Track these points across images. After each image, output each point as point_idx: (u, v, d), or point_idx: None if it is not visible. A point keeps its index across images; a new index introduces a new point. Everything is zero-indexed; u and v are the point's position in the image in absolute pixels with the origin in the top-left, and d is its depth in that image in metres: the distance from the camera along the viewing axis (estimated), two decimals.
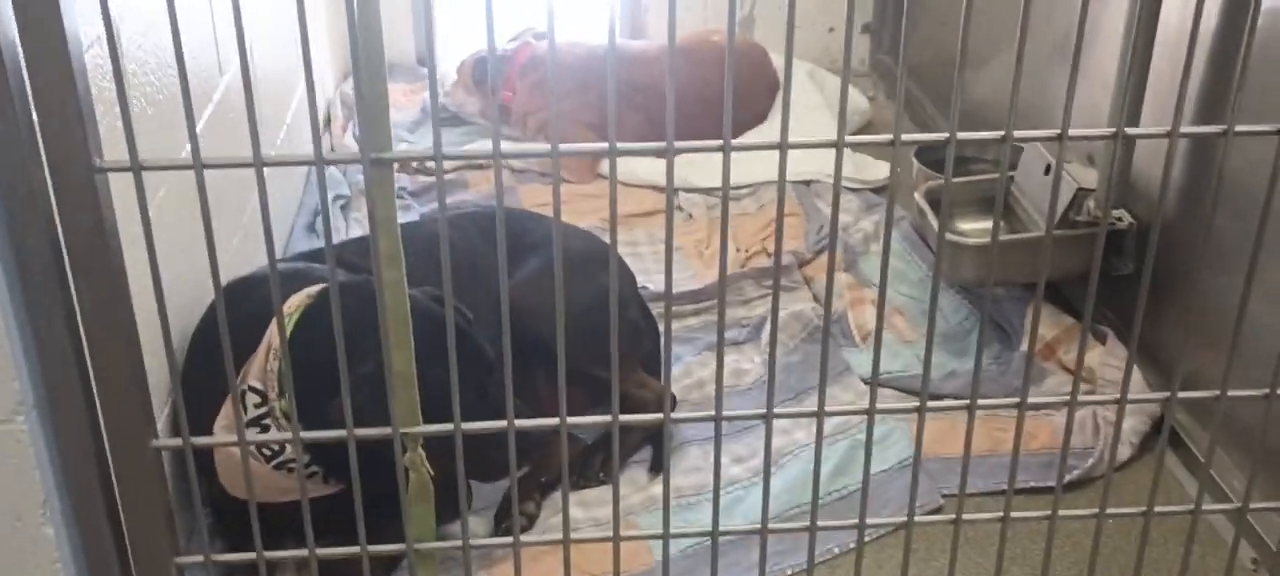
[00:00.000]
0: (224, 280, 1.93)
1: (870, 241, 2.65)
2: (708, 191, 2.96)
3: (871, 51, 4.01)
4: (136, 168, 1.05)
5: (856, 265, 2.57)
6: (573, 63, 3.23)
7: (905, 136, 1.18)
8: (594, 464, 1.91)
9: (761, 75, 3.44)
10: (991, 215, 2.44)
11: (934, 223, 2.31)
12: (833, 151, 3.03)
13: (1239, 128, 1.18)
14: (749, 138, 3.16)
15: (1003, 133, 1.17)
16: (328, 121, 3.26)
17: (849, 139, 1.14)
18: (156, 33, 1.72)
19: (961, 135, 1.18)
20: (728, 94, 1.07)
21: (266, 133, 2.45)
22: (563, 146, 1.11)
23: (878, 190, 2.96)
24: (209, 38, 2.03)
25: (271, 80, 2.53)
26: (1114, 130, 1.19)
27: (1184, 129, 1.20)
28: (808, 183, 2.93)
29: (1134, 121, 2.07)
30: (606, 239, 2.52)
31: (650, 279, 2.55)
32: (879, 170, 3.01)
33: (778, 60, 3.52)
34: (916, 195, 2.45)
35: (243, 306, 1.60)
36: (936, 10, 3.30)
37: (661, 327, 2.33)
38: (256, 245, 2.22)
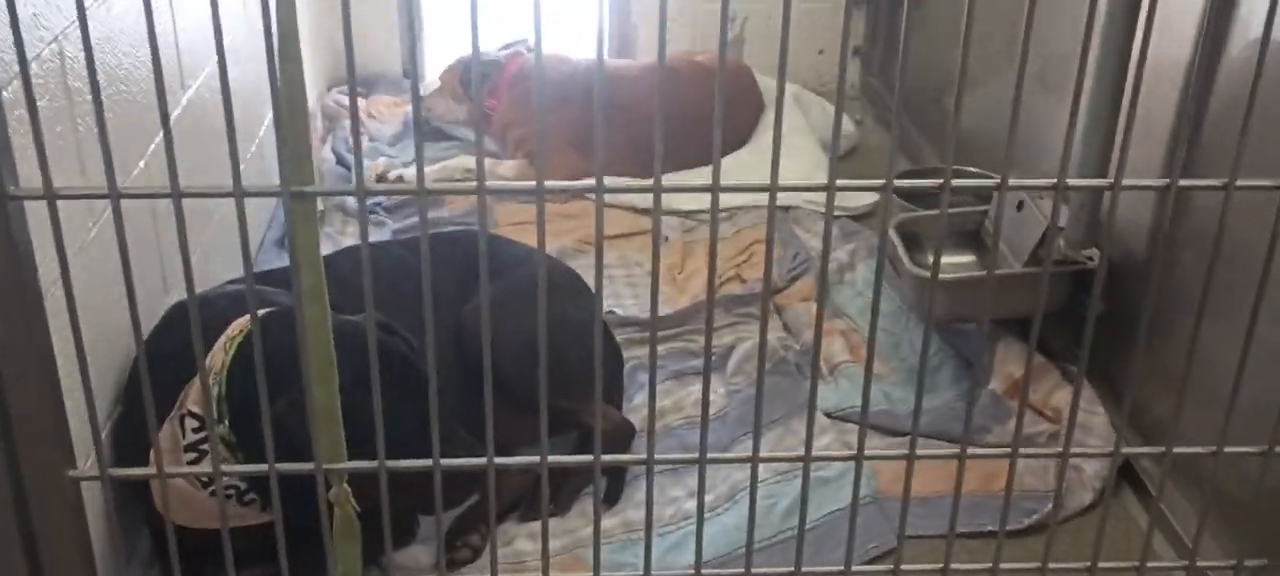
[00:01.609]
0: (177, 298, 1.92)
1: (844, 271, 2.62)
2: (685, 214, 2.94)
3: (861, 74, 3.99)
4: (51, 196, 1.03)
5: (828, 295, 2.54)
6: (557, 78, 3.21)
7: (840, 181, 1.16)
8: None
9: (747, 96, 3.42)
10: (966, 249, 2.44)
11: (904, 257, 2.28)
12: (813, 173, 2.98)
13: (1183, 182, 1.16)
14: (730, 160, 3.14)
15: (942, 181, 1.15)
16: None
17: (782, 184, 1.12)
18: (108, 47, 1.70)
19: (898, 182, 1.17)
20: (651, 128, 1.05)
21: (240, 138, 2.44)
22: (489, 184, 1.10)
23: (856, 217, 2.94)
24: (170, 52, 2.02)
25: (241, 93, 2.51)
26: (1054, 181, 1.17)
27: (1128, 181, 1.18)
28: (786, 209, 2.91)
29: (1103, 161, 2.05)
30: (574, 261, 2.50)
31: (619, 303, 2.54)
32: (857, 197, 2.99)
33: (764, 81, 3.50)
34: (888, 228, 2.43)
35: (187, 330, 1.58)
36: (926, 34, 3.28)
37: (625, 355, 2.31)
38: (217, 261, 2.20)
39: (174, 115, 2.04)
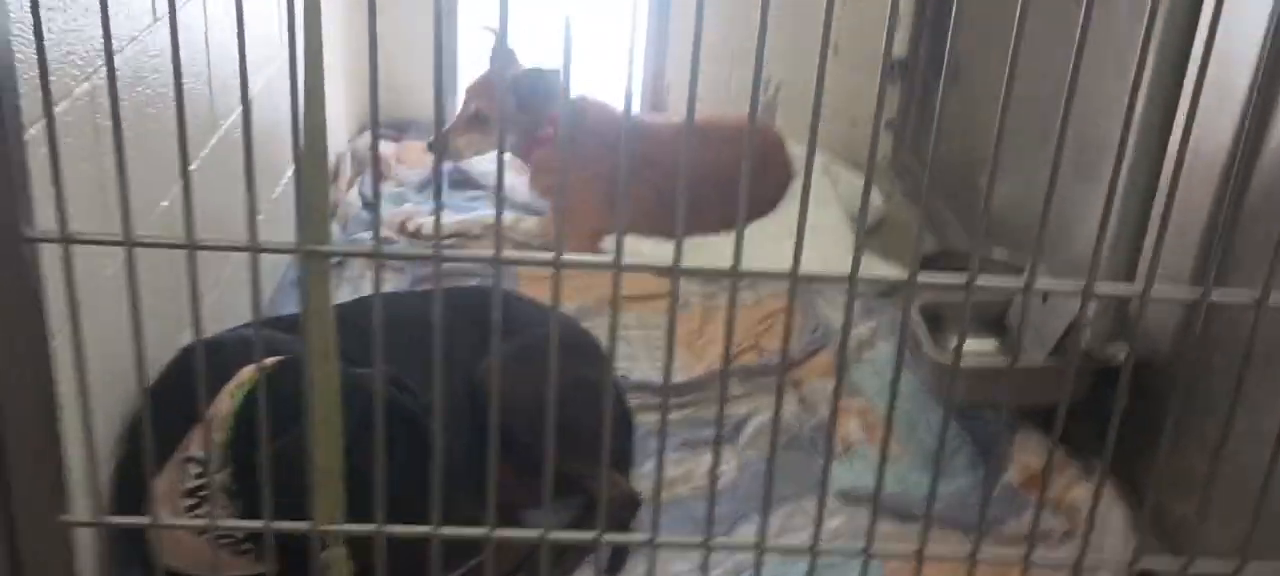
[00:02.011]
0: (189, 340, 1.91)
1: (864, 348, 2.59)
2: (706, 273, 2.91)
3: (893, 148, 3.98)
4: (66, 240, 1.02)
5: (846, 372, 2.51)
6: (600, 126, 3.14)
7: (862, 274, 1.15)
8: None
9: (776, 163, 3.41)
10: (989, 334, 2.41)
11: (926, 339, 2.26)
12: (838, 248, 2.95)
13: (1215, 297, 1.14)
14: (755, 229, 3.12)
15: (966, 280, 1.13)
16: (334, 175, 3.25)
17: (803, 273, 1.11)
18: (141, 84, 1.71)
19: (922, 278, 1.15)
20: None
21: (265, 182, 2.44)
22: (506, 254, 1.09)
23: (880, 294, 2.91)
24: (203, 88, 2.02)
25: (275, 127, 2.52)
26: (1082, 284, 1.14)
27: (1158, 289, 1.16)
28: (809, 280, 2.88)
29: (1134, 252, 2.01)
30: (592, 321, 2.48)
31: (636, 366, 2.51)
32: (884, 271, 2.95)
33: (796, 149, 3.48)
34: (913, 310, 2.40)
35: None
36: (960, 110, 3.26)
37: (639, 421, 2.28)
38: (235, 298, 2.20)
39: (204, 153, 2.05)
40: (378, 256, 1.07)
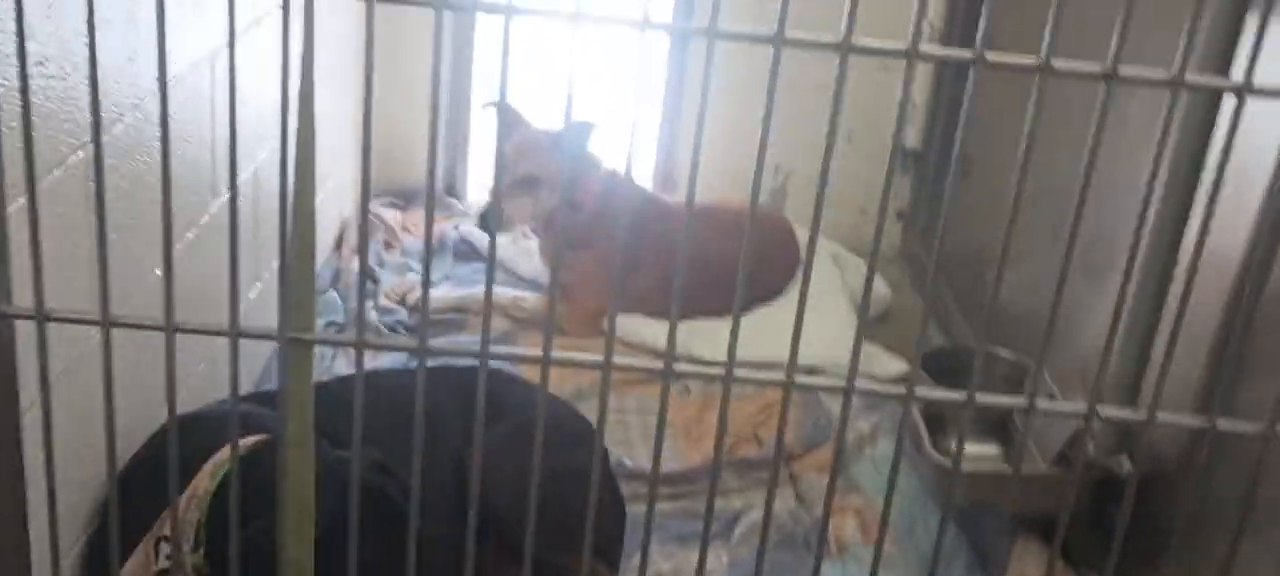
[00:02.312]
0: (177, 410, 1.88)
1: (864, 444, 2.55)
2: (710, 364, 2.87)
3: (902, 238, 3.96)
4: (40, 318, 1.00)
5: (846, 469, 2.47)
6: (620, 204, 3.01)
7: (863, 371, 1.12)
8: None
9: (784, 249, 3.39)
10: (991, 438, 2.37)
11: (926, 439, 2.22)
12: (843, 338, 2.91)
13: (1222, 425, 1.11)
14: (759, 316, 3.08)
15: (966, 397, 1.11)
16: (339, 242, 3.23)
17: (797, 380, 1.08)
18: (139, 155, 1.70)
19: (921, 391, 1.12)
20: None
21: (266, 252, 2.42)
22: (495, 345, 1.06)
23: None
24: (206, 154, 2.01)
25: (277, 198, 2.50)
26: (1085, 408, 1.11)
27: (1163, 415, 1.13)
28: (811, 370, 2.84)
29: (1142, 354, 1.98)
30: (587, 404, 2.44)
31: (632, 452, 2.47)
32: (889, 365, 2.93)
33: (805, 235, 3.46)
34: (914, 410, 2.36)
35: (180, 447, 1.54)
36: (971, 202, 3.24)
37: (632, 511, 2.23)
38: (223, 375, 2.16)
39: (206, 219, 2.03)
40: (360, 346, 1.05)
